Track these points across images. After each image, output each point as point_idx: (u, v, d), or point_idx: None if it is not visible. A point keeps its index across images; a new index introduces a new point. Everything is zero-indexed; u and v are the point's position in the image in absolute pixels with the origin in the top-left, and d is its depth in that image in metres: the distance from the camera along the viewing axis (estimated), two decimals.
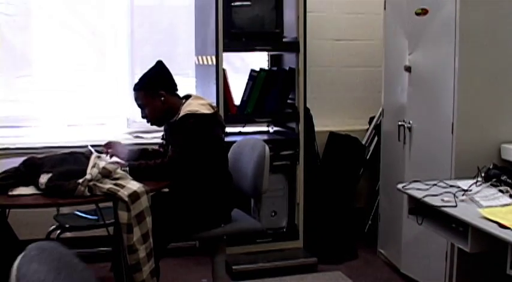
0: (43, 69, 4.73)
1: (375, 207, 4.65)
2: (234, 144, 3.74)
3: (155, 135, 4.26)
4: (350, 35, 5.01)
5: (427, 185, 2.98)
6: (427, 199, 2.79)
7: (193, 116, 3.20)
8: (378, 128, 4.71)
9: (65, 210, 3.75)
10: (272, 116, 4.48)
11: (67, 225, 3.64)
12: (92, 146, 3.29)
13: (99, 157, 2.95)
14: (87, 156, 3.00)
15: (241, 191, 3.48)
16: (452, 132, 3.41)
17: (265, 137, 4.59)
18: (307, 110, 4.43)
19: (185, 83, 4.47)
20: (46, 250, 1.76)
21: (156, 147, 3.60)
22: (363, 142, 4.88)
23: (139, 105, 3.36)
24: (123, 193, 2.75)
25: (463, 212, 2.59)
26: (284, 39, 4.38)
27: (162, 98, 3.31)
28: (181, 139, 3.18)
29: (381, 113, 4.51)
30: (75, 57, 4.77)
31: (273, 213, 4.44)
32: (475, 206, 2.67)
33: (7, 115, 4.61)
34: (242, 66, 4.86)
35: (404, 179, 3.63)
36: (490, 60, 3.36)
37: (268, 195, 3.61)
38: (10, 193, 2.74)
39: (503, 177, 2.87)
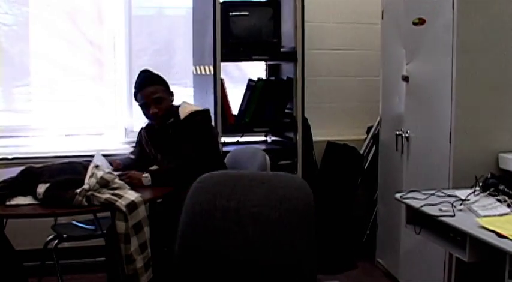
0: (41, 79, 4.73)
1: (373, 217, 4.65)
2: (229, 154, 3.76)
3: None
4: (348, 45, 5.03)
5: (425, 194, 2.97)
6: (425, 208, 2.79)
7: (199, 113, 3.40)
8: (375, 138, 4.71)
9: (62, 220, 3.73)
10: (270, 126, 4.49)
11: (65, 235, 3.63)
12: (90, 156, 3.29)
13: (97, 167, 2.95)
14: (85, 165, 2.99)
15: None
16: (450, 142, 3.41)
17: (263, 146, 4.59)
18: (305, 120, 4.43)
19: (183, 93, 4.48)
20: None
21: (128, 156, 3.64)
22: (361, 152, 4.87)
23: (156, 99, 3.38)
24: (121, 203, 2.75)
25: (461, 221, 2.59)
26: (282, 49, 4.39)
27: (171, 97, 3.48)
28: (195, 135, 3.31)
29: (378, 123, 4.51)
30: (73, 67, 4.78)
31: None
32: (473, 215, 2.66)
33: (5, 125, 4.60)
34: (240, 76, 4.87)
35: (402, 189, 3.63)
36: (487, 70, 3.36)
37: None
38: (8, 203, 2.74)
39: (501, 187, 2.86)
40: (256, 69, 4.77)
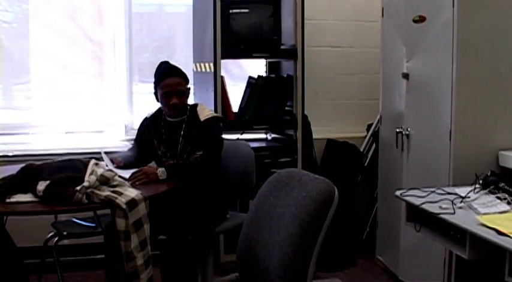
0: (41, 77, 4.73)
1: (373, 214, 4.65)
2: None
3: None
4: (348, 42, 5.02)
5: (425, 192, 2.98)
6: (425, 206, 2.79)
7: (219, 120, 3.59)
8: (375, 135, 4.71)
9: (62, 217, 3.73)
10: (270, 123, 4.49)
11: (65, 233, 3.63)
12: (93, 153, 3.30)
13: (97, 164, 2.95)
14: (85, 163, 2.99)
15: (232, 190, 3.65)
16: (450, 139, 3.41)
17: (263, 144, 4.60)
18: (305, 117, 4.43)
19: None
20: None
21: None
22: (361, 149, 4.88)
23: (179, 91, 3.44)
24: (121, 200, 2.75)
25: (461, 219, 2.59)
26: (282, 47, 4.39)
27: (188, 93, 3.55)
28: (215, 139, 3.46)
29: (378, 120, 4.51)
30: (73, 64, 4.78)
31: None
32: (473, 213, 2.66)
33: (5, 122, 4.60)
34: (240, 74, 4.86)
35: (403, 186, 3.64)
36: (487, 67, 3.36)
37: None
38: (8, 200, 2.74)
39: (501, 184, 2.87)
40: (257, 67, 4.77)
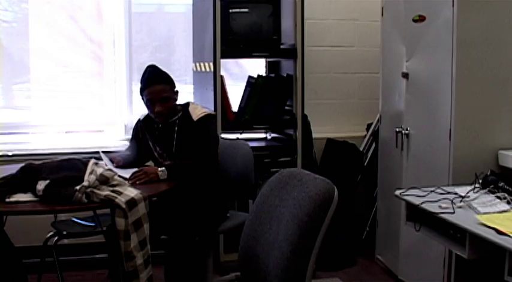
0: (41, 76, 4.73)
1: (373, 214, 4.65)
2: None
3: None
4: (347, 42, 5.02)
5: (424, 191, 2.98)
6: (424, 205, 2.79)
7: (213, 117, 3.51)
8: (375, 135, 4.71)
9: (62, 216, 3.74)
10: (270, 123, 4.48)
11: (64, 232, 3.63)
12: (93, 152, 3.29)
13: (96, 164, 2.95)
14: (84, 162, 2.99)
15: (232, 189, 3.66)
16: (449, 139, 3.41)
17: (263, 143, 4.60)
18: (304, 117, 4.43)
19: (183, 90, 4.46)
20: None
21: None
22: (361, 149, 4.88)
23: (162, 98, 3.39)
24: (121, 200, 2.75)
25: (460, 218, 2.59)
26: (282, 46, 4.39)
27: (176, 96, 3.50)
28: (210, 137, 3.43)
29: (378, 120, 4.51)
30: (72, 63, 4.78)
31: None
32: (473, 212, 2.66)
33: (5, 121, 4.60)
34: (240, 73, 4.87)
35: (402, 186, 3.64)
36: (487, 67, 3.36)
37: None
38: (7, 200, 2.74)
39: (501, 184, 2.87)
40: (256, 66, 4.77)
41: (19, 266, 3.30)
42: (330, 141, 4.87)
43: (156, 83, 3.39)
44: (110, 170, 2.93)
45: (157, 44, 5.02)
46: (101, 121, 4.85)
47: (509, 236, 2.32)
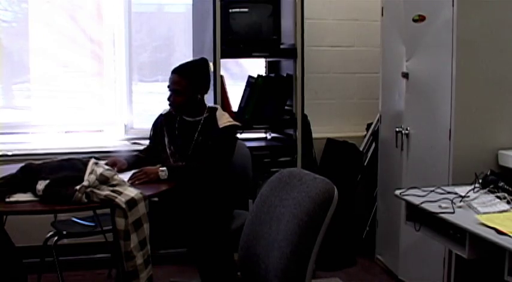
0: (41, 76, 4.73)
1: (373, 214, 4.65)
2: None
3: None
4: (347, 42, 5.02)
5: (424, 191, 2.98)
6: (424, 205, 2.79)
7: (238, 128, 3.53)
8: (375, 135, 4.71)
9: (62, 216, 3.74)
10: (270, 123, 4.48)
11: (64, 232, 3.64)
12: (93, 152, 3.29)
13: (96, 163, 2.95)
14: (84, 162, 2.99)
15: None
16: (449, 139, 3.41)
17: (263, 143, 4.59)
18: (304, 117, 4.43)
19: None
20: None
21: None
22: (361, 148, 4.88)
23: (175, 90, 3.40)
24: (121, 200, 2.75)
25: (460, 218, 2.59)
26: (281, 46, 4.39)
27: (199, 96, 3.47)
28: (228, 147, 3.41)
29: (378, 120, 4.51)
30: (72, 63, 4.78)
31: None
32: (473, 212, 2.66)
33: (5, 121, 4.60)
34: (240, 73, 4.86)
35: (402, 186, 3.64)
36: (487, 66, 3.36)
37: None
38: (7, 199, 2.74)
39: (501, 184, 2.87)
40: (256, 66, 4.77)
41: (19, 266, 3.30)
42: (329, 141, 4.87)
43: (175, 72, 3.42)
44: (109, 169, 2.93)
45: (157, 43, 5.02)
46: (100, 121, 4.85)
47: (509, 235, 2.32)
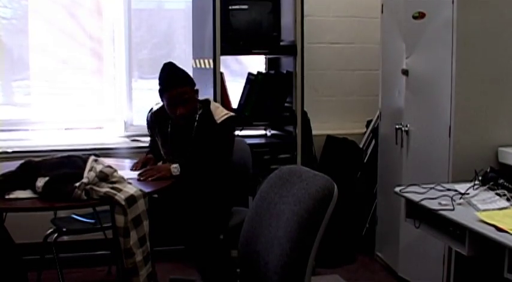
0: (40, 73, 4.73)
1: (373, 211, 4.65)
2: None
3: None
4: (347, 39, 5.02)
5: (424, 188, 2.98)
6: (424, 202, 2.79)
7: (236, 119, 3.46)
8: (375, 132, 4.71)
9: (61, 213, 3.74)
10: (269, 120, 4.48)
11: (64, 229, 3.64)
12: (89, 149, 3.29)
13: (96, 160, 2.95)
14: (84, 159, 2.99)
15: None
16: (449, 136, 3.41)
17: (263, 140, 4.59)
18: (304, 114, 4.43)
19: None
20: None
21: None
22: (360, 145, 4.87)
23: (184, 100, 3.29)
24: (120, 197, 2.75)
25: (460, 215, 2.59)
26: (281, 43, 4.39)
27: (196, 96, 3.41)
28: (230, 140, 3.40)
29: (378, 117, 4.51)
30: (72, 60, 4.77)
31: None
32: (473, 209, 2.66)
33: (4, 118, 4.60)
34: (239, 70, 4.86)
35: (402, 183, 3.63)
36: (487, 64, 3.36)
37: None
38: (7, 196, 2.74)
39: (501, 181, 2.87)
40: (256, 63, 4.77)
41: (19, 263, 3.31)
42: (329, 138, 4.87)
43: (176, 86, 3.29)
44: (109, 166, 2.92)
45: (157, 40, 5.02)
46: (100, 118, 4.85)
47: (508, 233, 2.32)
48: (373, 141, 4.79)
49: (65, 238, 3.79)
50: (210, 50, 4.13)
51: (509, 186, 2.83)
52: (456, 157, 3.39)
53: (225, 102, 4.25)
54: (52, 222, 3.70)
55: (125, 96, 4.81)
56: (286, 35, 4.39)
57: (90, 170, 2.83)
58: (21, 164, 2.92)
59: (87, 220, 3.75)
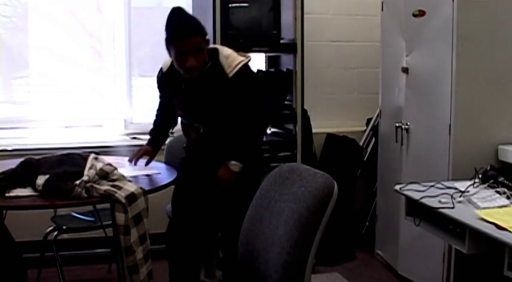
0: (40, 71, 4.72)
1: (373, 209, 4.66)
2: None
3: None
4: (347, 37, 5.02)
5: (424, 186, 2.98)
6: (424, 200, 2.79)
7: (247, 66, 3.12)
8: (375, 130, 4.71)
9: (62, 211, 3.74)
10: (269, 117, 4.48)
11: (64, 227, 3.64)
12: (89, 147, 3.29)
13: (96, 158, 2.95)
14: (84, 157, 3.00)
15: None
16: (449, 134, 3.41)
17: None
18: (304, 112, 4.43)
19: None
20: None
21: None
22: (361, 143, 4.88)
23: (196, 50, 2.94)
24: (120, 194, 2.75)
25: (460, 213, 2.59)
26: (281, 41, 4.38)
27: (207, 46, 3.09)
28: (253, 89, 3.14)
29: (378, 115, 4.51)
30: (72, 58, 4.77)
31: None
32: (473, 207, 2.67)
33: (4, 116, 4.60)
34: None
35: (402, 181, 3.64)
36: (487, 62, 3.36)
37: None
38: (7, 194, 2.74)
39: (501, 179, 2.87)
40: (256, 61, 4.75)
41: (19, 261, 3.31)
42: (329, 136, 4.87)
43: (187, 37, 2.94)
44: (109, 164, 2.93)
45: (157, 38, 4.98)
46: (100, 116, 4.84)
47: (508, 231, 2.32)
48: (373, 139, 4.79)
49: (65, 236, 3.79)
50: None
51: (509, 184, 2.83)
52: (456, 155, 3.39)
53: None
54: (52, 220, 3.70)
55: (125, 94, 4.81)
56: (286, 33, 4.38)
57: (91, 168, 2.83)
58: (22, 162, 2.93)
59: (87, 218, 3.75)
